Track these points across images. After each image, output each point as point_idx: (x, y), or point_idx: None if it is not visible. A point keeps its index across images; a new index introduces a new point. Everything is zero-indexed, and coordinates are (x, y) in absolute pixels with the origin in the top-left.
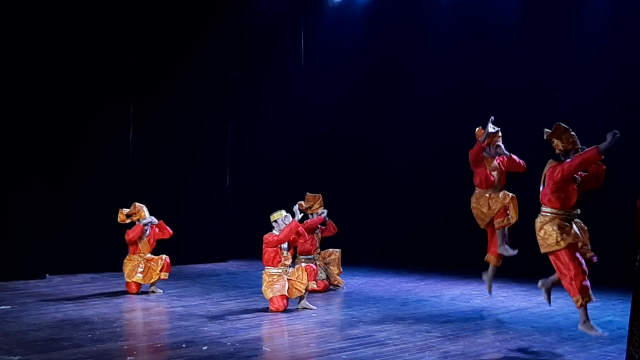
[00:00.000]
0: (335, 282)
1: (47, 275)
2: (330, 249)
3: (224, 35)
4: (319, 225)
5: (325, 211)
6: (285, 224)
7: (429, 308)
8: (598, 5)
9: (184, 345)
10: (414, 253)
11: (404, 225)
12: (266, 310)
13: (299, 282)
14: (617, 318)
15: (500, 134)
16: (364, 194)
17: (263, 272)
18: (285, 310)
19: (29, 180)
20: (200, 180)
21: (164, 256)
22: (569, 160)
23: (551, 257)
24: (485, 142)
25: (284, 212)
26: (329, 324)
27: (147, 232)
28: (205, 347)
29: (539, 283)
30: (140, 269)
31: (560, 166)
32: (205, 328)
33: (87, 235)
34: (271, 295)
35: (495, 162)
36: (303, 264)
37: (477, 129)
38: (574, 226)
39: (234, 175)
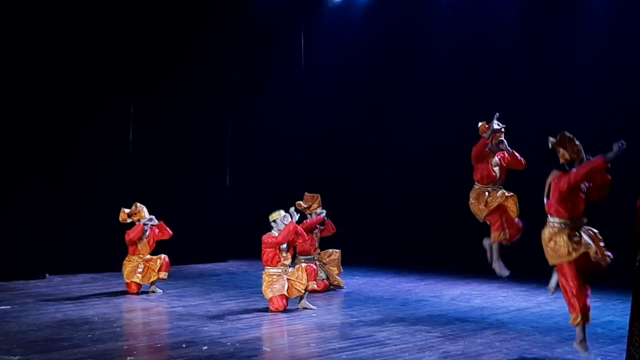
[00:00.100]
0: (335, 282)
1: (47, 275)
2: (330, 250)
3: (224, 35)
4: (317, 225)
5: (324, 211)
6: (284, 224)
7: (429, 308)
8: (598, 5)
9: (184, 345)
10: (414, 253)
11: (404, 225)
12: (266, 310)
13: (298, 282)
14: (617, 318)
15: (503, 130)
16: (364, 194)
17: (263, 272)
18: (285, 310)
19: (29, 180)
20: (200, 180)
21: (162, 255)
22: (574, 169)
23: (557, 269)
24: (490, 138)
25: (282, 212)
26: (329, 324)
27: (147, 233)
28: (205, 347)
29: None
30: (139, 270)
31: (567, 176)
32: (205, 328)
33: (87, 235)
34: (271, 295)
35: (496, 158)
36: (303, 264)
37: (480, 124)
38: (584, 235)
39: (234, 175)
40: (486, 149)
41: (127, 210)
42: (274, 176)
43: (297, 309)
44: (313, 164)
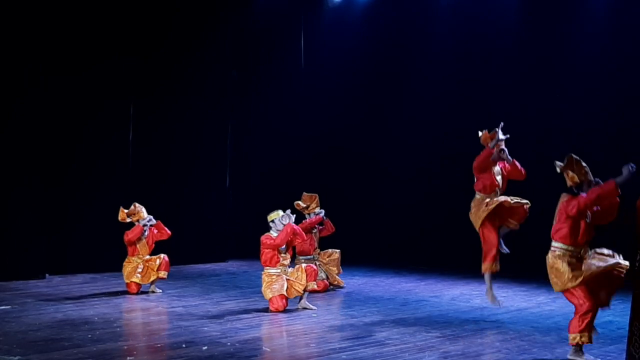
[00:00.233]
0: (335, 282)
1: (47, 275)
2: (330, 250)
3: (224, 35)
4: (316, 225)
5: (323, 211)
6: (283, 224)
7: (429, 308)
8: (598, 5)
9: (184, 345)
10: (414, 253)
11: (404, 225)
12: (266, 310)
13: (297, 282)
14: (617, 318)
15: (506, 138)
16: (364, 194)
17: (262, 272)
18: (285, 311)
19: (29, 180)
20: (200, 180)
21: (162, 255)
22: (584, 194)
23: (565, 294)
24: (494, 147)
25: (281, 212)
26: (329, 324)
27: (146, 234)
28: (205, 347)
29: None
30: (139, 270)
31: (576, 200)
32: (205, 328)
33: (87, 235)
34: (270, 296)
35: (498, 167)
36: (303, 265)
37: (480, 133)
38: (587, 260)
39: (234, 175)
40: (490, 159)
41: (126, 210)
42: (274, 176)
43: (297, 309)
44: (313, 164)
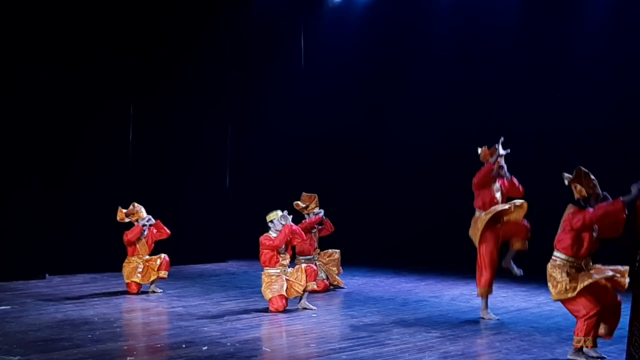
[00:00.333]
0: (335, 282)
1: (47, 275)
2: (330, 250)
3: (224, 35)
4: (316, 225)
5: (322, 211)
6: (281, 224)
7: (429, 308)
8: (598, 5)
9: (184, 346)
10: (414, 253)
11: (404, 225)
12: (266, 310)
13: (297, 283)
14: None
15: (506, 153)
16: (364, 194)
17: (262, 272)
18: (285, 311)
19: (29, 180)
20: (200, 180)
21: (162, 255)
22: (591, 209)
23: (565, 304)
24: (495, 163)
25: (279, 212)
26: (329, 324)
27: (145, 233)
28: (205, 347)
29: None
30: (139, 270)
31: (582, 214)
32: (205, 328)
33: (87, 235)
34: (270, 296)
35: (497, 184)
36: (303, 265)
37: (479, 150)
38: (587, 272)
39: (234, 175)
40: (491, 175)
41: (124, 210)
42: (274, 176)
43: (296, 309)
44: (313, 164)
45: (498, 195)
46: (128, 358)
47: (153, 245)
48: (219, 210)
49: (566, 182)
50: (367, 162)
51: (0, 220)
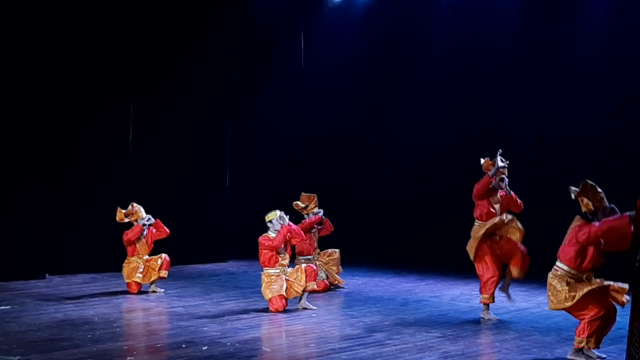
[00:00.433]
0: (335, 282)
1: (47, 275)
2: (330, 249)
3: (224, 35)
4: (315, 225)
5: (321, 210)
6: (280, 224)
7: (429, 308)
8: (598, 5)
9: (184, 346)
10: (414, 253)
11: (404, 225)
12: (266, 310)
13: (297, 283)
14: (617, 318)
15: (507, 166)
16: (364, 194)
17: (262, 273)
18: (285, 311)
19: (29, 180)
20: (200, 180)
21: (163, 255)
22: (597, 223)
23: (569, 312)
24: (494, 176)
25: (278, 212)
26: (329, 324)
27: (145, 233)
28: (205, 347)
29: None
30: (140, 270)
31: (588, 227)
32: (205, 328)
33: (87, 235)
34: (270, 296)
35: (497, 195)
36: (303, 265)
37: (482, 160)
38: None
39: (234, 175)
40: (490, 187)
41: (123, 211)
42: (274, 176)
43: (296, 309)
44: (313, 164)
45: (497, 206)
46: (128, 358)
47: (152, 245)
48: (219, 210)
49: (573, 196)
50: (367, 162)
51: (0, 220)
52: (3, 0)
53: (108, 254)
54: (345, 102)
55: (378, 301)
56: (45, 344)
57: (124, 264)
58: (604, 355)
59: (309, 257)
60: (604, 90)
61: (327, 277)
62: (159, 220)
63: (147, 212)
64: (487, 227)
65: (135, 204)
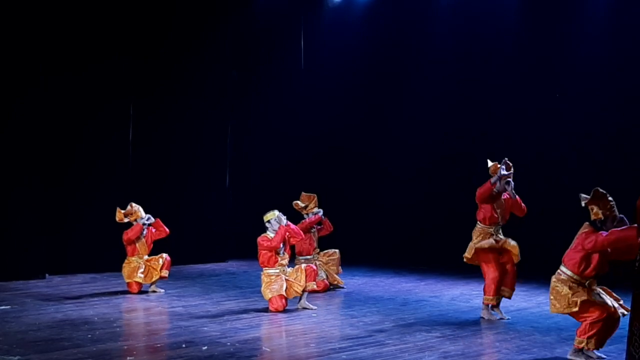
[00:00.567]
0: (335, 282)
1: (47, 275)
2: (330, 250)
3: (224, 35)
4: (315, 225)
5: (321, 210)
6: (279, 224)
7: (429, 308)
8: (598, 5)
9: (184, 345)
10: (414, 253)
11: (404, 225)
12: (266, 310)
13: (296, 283)
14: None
15: (512, 170)
16: (364, 194)
17: (262, 273)
18: (285, 310)
19: (29, 180)
20: (200, 180)
21: (164, 255)
22: (604, 233)
23: (572, 316)
24: (496, 183)
25: (276, 212)
26: (329, 324)
27: (145, 232)
28: (205, 347)
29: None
30: (141, 270)
31: (595, 236)
32: (205, 328)
33: (87, 235)
34: (270, 296)
35: (501, 199)
36: (303, 265)
37: (490, 163)
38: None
39: (234, 175)
40: (493, 191)
41: (123, 211)
42: (274, 176)
43: (296, 309)
44: (313, 164)
45: (499, 211)
46: (128, 358)
47: (152, 245)
48: (219, 210)
49: (583, 204)
50: (367, 162)
51: (0, 220)
52: (4, 1)
53: (108, 254)
54: (345, 102)
55: (378, 301)
56: (45, 344)
57: (124, 264)
58: (604, 356)
59: (309, 257)
60: (604, 90)
61: (327, 277)
62: (158, 219)
63: (147, 212)
64: (483, 245)
65: (134, 204)
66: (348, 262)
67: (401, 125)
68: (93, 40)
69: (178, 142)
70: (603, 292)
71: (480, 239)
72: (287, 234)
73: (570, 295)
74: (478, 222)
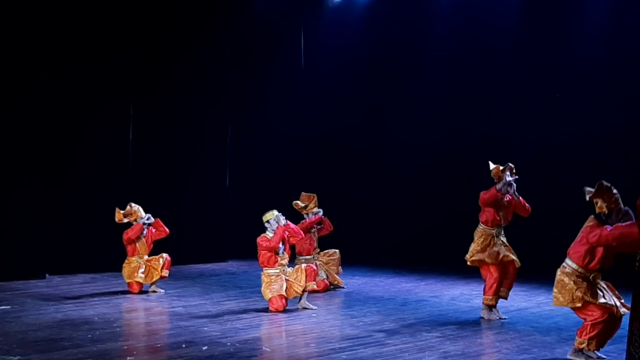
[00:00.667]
0: (335, 282)
1: (47, 275)
2: (330, 250)
3: (224, 35)
4: (315, 225)
5: (321, 210)
6: (278, 224)
7: (429, 308)
8: (598, 5)
9: (184, 345)
10: (414, 253)
11: (404, 225)
12: (266, 310)
13: (297, 283)
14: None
15: (514, 170)
16: (364, 194)
17: (262, 273)
18: (285, 310)
19: (29, 180)
20: (200, 180)
21: (164, 254)
22: (609, 227)
23: (575, 311)
24: (502, 190)
25: (275, 212)
26: (329, 324)
27: (145, 232)
28: (205, 347)
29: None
30: (141, 270)
31: (599, 230)
32: (205, 328)
33: (87, 235)
34: (270, 296)
35: (504, 201)
36: (303, 265)
37: (492, 166)
38: (598, 286)
39: (234, 175)
40: (498, 197)
41: (122, 211)
42: (274, 176)
43: (296, 309)
44: (313, 164)
45: (501, 213)
46: (128, 358)
47: (152, 245)
48: (219, 210)
49: (587, 198)
50: (367, 162)
51: (0, 220)
52: (4, 1)
53: (108, 254)
54: (345, 102)
55: (378, 301)
56: (45, 344)
57: (124, 264)
58: (604, 356)
59: (309, 257)
60: (604, 90)
61: (327, 277)
62: (158, 219)
63: (146, 212)
64: (486, 259)
65: (133, 204)
66: (348, 262)
67: (401, 125)
68: (93, 40)
69: (178, 142)
70: (606, 288)
71: (482, 239)
72: (287, 233)
73: (574, 290)
74: (480, 223)
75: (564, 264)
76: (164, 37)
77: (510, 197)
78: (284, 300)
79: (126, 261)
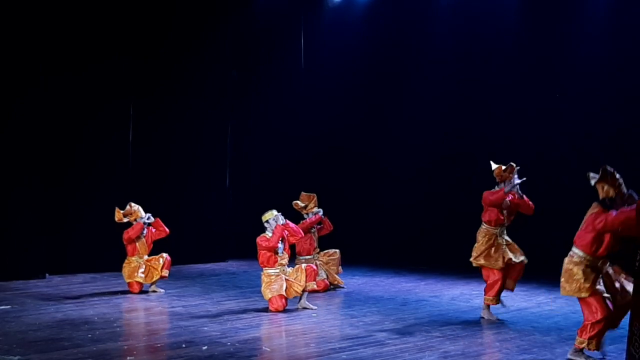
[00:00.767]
0: (335, 282)
1: (47, 275)
2: (330, 250)
3: (224, 35)
4: (315, 225)
5: (321, 210)
6: (277, 224)
7: (429, 308)
8: (598, 5)
9: (184, 345)
10: (414, 253)
11: (404, 225)
12: (266, 310)
13: (297, 283)
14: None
15: (517, 168)
16: (364, 194)
17: (262, 273)
18: (285, 310)
19: (29, 180)
20: (200, 180)
21: (164, 254)
22: (614, 212)
23: (580, 302)
24: (509, 193)
25: (274, 212)
26: (329, 323)
27: (145, 232)
28: (205, 347)
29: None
30: (141, 270)
31: (604, 216)
32: (205, 328)
33: (87, 235)
34: (270, 296)
35: (507, 200)
36: (303, 265)
37: (494, 166)
38: (605, 275)
39: (234, 175)
40: (500, 191)
41: (122, 211)
42: (274, 176)
43: (296, 309)
44: (313, 164)
45: (505, 212)
46: (128, 358)
47: (152, 245)
48: (219, 210)
49: (592, 183)
50: (367, 162)
51: (0, 220)
52: (4, 1)
53: (108, 254)
54: (345, 102)
55: (378, 301)
56: (45, 343)
57: (124, 264)
58: (603, 357)
59: (309, 257)
60: (604, 90)
61: (327, 277)
62: (158, 219)
63: (146, 212)
64: (494, 265)
65: (133, 204)
66: (348, 262)
67: (401, 125)
68: (93, 40)
69: (178, 142)
70: (613, 272)
71: (486, 239)
72: (286, 232)
73: (582, 280)
74: (483, 223)
75: (571, 252)
76: (164, 37)
77: (512, 197)
78: (284, 300)
79: (126, 261)
